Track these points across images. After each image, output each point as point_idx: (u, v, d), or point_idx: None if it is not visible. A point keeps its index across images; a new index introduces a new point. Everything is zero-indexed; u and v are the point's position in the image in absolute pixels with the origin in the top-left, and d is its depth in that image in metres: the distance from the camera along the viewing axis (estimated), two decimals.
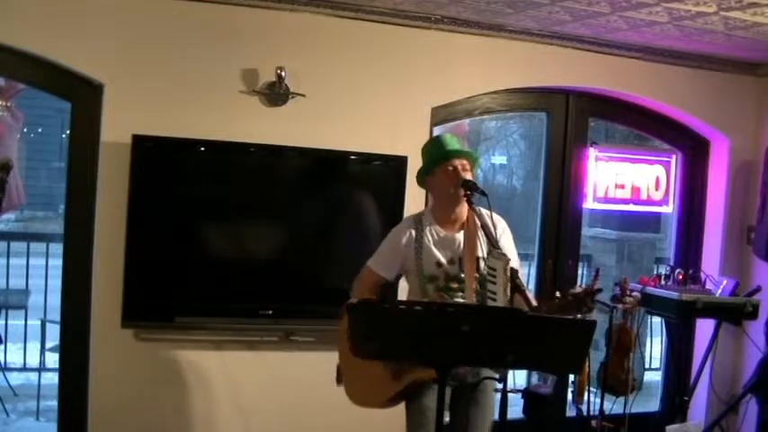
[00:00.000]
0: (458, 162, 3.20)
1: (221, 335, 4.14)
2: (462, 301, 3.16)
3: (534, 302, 2.94)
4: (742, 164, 5.18)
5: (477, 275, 3.15)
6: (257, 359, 4.22)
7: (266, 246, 4.21)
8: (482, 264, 3.17)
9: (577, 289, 3.01)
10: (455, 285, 3.20)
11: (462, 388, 3.21)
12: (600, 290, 2.97)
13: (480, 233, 3.18)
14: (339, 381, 3.34)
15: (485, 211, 3.22)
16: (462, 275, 3.18)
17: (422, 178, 3.34)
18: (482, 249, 3.19)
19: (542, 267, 4.93)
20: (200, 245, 4.06)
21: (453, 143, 3.26)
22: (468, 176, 3.22)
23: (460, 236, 3.23)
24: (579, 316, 2.91)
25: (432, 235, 3.23)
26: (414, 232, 3.24)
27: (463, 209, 3.25)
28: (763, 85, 5.14)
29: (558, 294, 3.04)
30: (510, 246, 3.25)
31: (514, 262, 3.06)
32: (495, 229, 3.15)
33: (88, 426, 3.96)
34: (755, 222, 4.90)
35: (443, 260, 3.20)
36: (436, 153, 3.26)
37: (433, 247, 3.21)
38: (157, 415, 4.06)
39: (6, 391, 5.39)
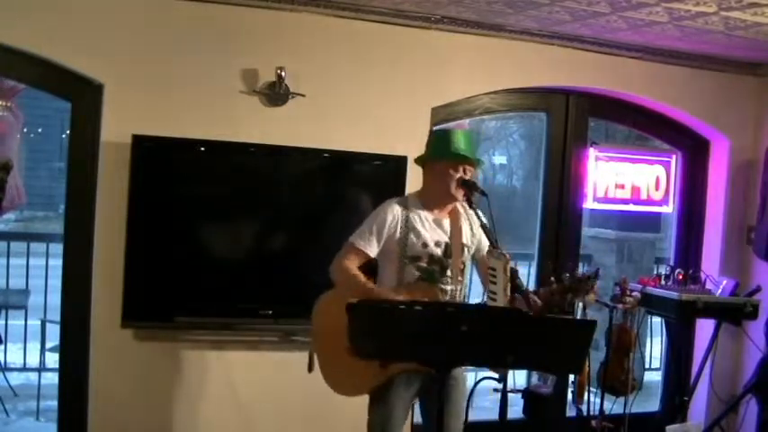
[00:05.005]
0: (463, 167, 3.26)
1: (221, 335, 4.14)
2: (448, 287, 3.22)
3: (534, 297, 3.00)
4: (742, 164, 5.18)
5: (461, 263, 3.24)
6: (257, 359, 4.22)
7: (266, 246, 4.21)
8: (466, 251, 3.29)
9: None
10: (436, 268, 3.23)
11: (432, 381, 3.18)
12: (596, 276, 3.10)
13: (464, 221, 3.32)
14: (311, 368, 3.35)
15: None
16: (446, 260, 3.24)
17: (423, 161, 3.38)
18: (466, 236, 3.30)
19: (542, 267, 4.93)
20: (200, 245, 4.06)
21: (466, 145, 3.29)
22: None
23: (447, 222, 3.31)
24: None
25: (420, 217, 3.28)
26: (401, 212, 3.27)
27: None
28: (763, 85, 5.14)
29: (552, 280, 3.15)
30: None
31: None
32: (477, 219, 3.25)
33: (88, 426, 3.96)
34: (755, 222, 4.91)
35: (430, 242, 3.25)
36: (448, 149, 3.27)
37: (421, 228, 3.25)
38: (157, 415, 4.06)
39: (6, 391, 5.38)
